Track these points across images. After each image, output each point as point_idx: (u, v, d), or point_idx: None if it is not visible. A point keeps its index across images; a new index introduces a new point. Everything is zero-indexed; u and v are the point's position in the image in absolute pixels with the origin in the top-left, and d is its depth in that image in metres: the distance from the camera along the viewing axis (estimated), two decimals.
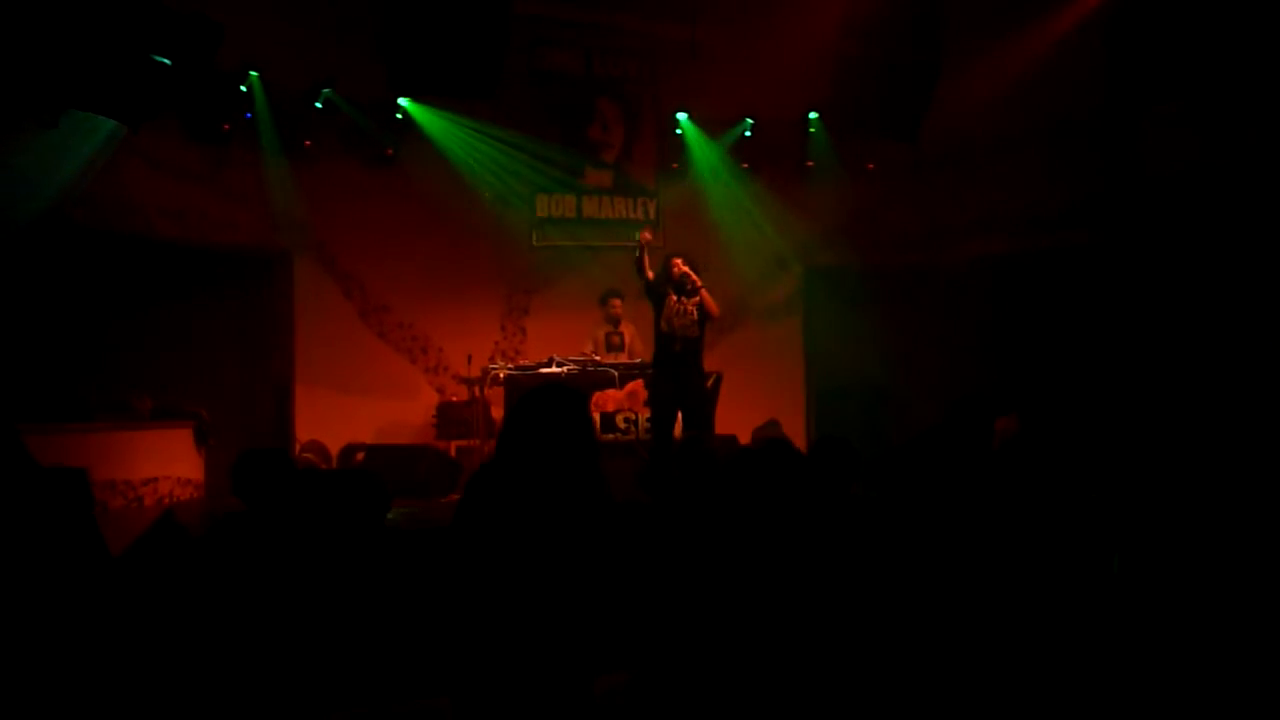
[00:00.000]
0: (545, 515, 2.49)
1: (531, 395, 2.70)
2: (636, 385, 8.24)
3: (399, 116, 8.88)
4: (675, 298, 6.65)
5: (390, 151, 8.98)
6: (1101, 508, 3.08)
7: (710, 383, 8.54)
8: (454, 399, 9.01)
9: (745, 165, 10.00)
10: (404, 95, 8.63)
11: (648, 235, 6.86)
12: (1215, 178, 7.78)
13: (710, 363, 9.24)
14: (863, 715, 2.15)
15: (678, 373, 6.71)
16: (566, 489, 2.55)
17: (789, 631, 2.24)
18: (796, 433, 9.89)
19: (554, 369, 8.26)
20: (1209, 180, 7.82)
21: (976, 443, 2.94)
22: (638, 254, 6.78)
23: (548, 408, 2.65)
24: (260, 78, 8.26)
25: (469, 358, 8.84)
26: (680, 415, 6.77)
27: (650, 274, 6.73)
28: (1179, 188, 8.04)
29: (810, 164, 10.03)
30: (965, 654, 2.18)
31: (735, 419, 8.90)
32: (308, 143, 8.66)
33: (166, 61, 6.20)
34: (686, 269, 6.68)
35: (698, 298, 6.69)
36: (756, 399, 9.57)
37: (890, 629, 2.22)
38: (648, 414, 7.70)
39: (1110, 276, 8.57)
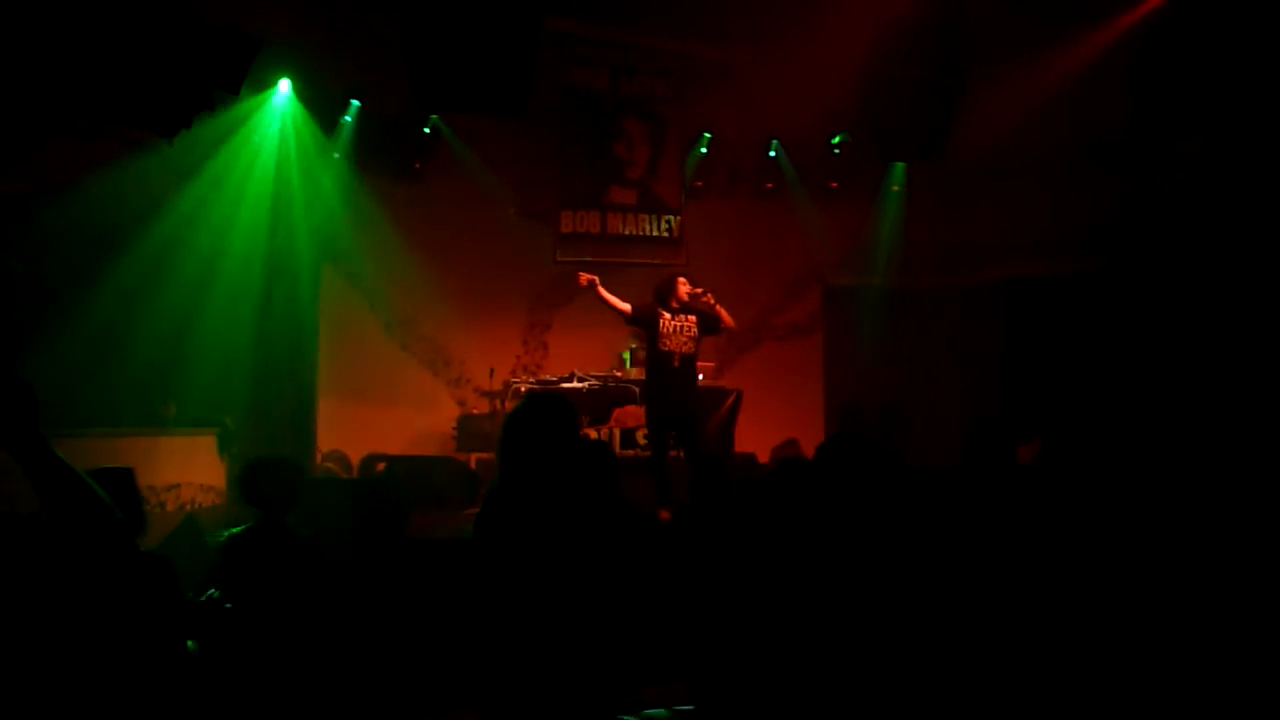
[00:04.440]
0: (554, 525, 2.53)
1: (517, 411, 2.80)
2: None
3: (426, 131, 8.97)
4: (669, 316, 6.53)
5: (417, 165, 9.07)
6: (1123, 531, 3.07)
7: (731, 401, 8.54)
8: (475, 412, 9.05)
9: (770, 185, 10.05)
10: (433, 111, 8.68)
11: (584, 280, 6.52)
12: (1241, 203, 7.73)
13: (729, 381, 9.28)
14: None
15: (674, 390, 6.57)
16: (569, 496, 2.59)
17: (816, 647, 2.25)
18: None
19: (575, 384, 8.28)
20: (1234, 205, 7.77)
21: (996, 471, 2.93)
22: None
23: (534, 420, 2.71)
24: (291, 90, 8.38)
25: (491, 371, 8.89)
26: (674, 434, 6.62)
27: (626, 307, 6.57)
28: (1204, 213, 7.99)
29: (834, 184, 10.07)
30: (987, 681, 2.17)
31: (754, 437, 8.90)
32: (335, 155, 8.76)
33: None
34: (697, 290, 6.59)
35: (694, 316, 6.58)
36: (775, 417, 9.57)
37: (912, 650, 2.22)
38: None
39: (1134, 300, 8.52)
